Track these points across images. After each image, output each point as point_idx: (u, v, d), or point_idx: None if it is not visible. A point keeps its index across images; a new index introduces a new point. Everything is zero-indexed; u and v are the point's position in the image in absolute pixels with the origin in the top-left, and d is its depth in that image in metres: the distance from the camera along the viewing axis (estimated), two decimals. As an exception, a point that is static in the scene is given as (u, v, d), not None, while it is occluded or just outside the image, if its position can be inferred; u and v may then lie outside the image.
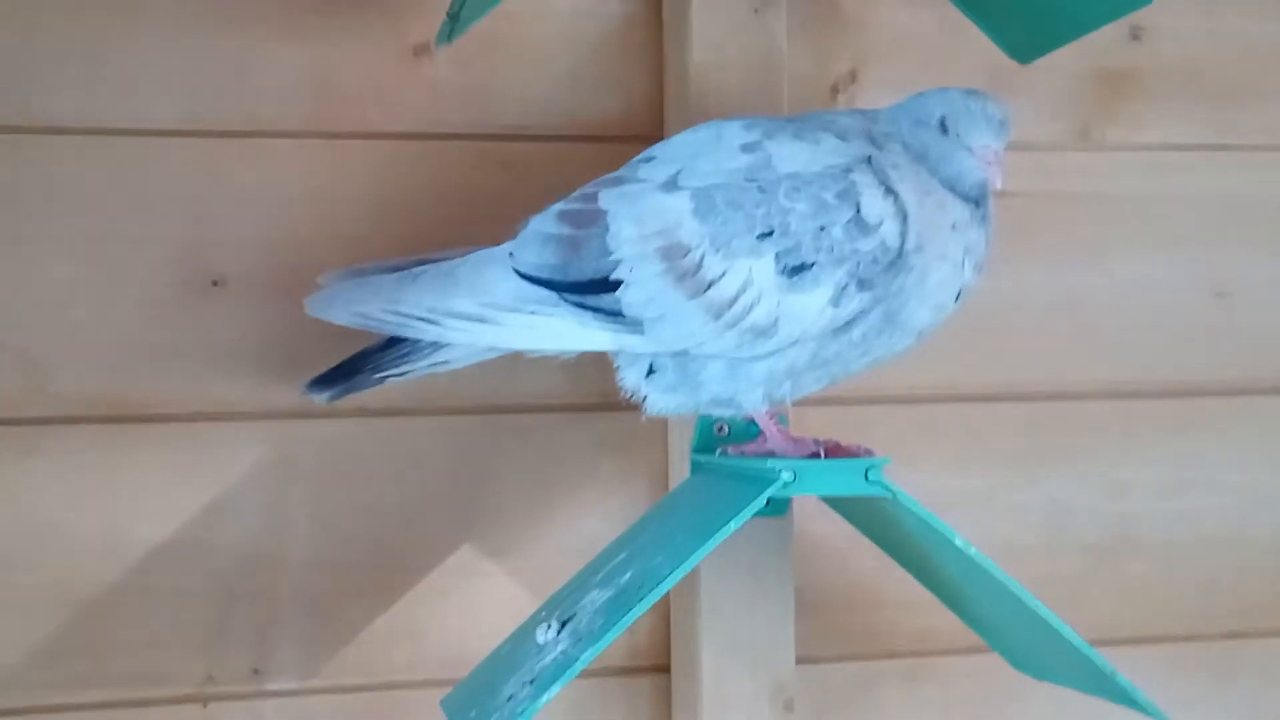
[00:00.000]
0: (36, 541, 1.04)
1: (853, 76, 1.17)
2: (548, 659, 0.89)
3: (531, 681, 0.87)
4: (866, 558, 1.12)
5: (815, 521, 1.14)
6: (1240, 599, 1.24)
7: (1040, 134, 1.21)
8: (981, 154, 0.90)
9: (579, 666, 0.84)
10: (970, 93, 0.92)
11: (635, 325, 0.92)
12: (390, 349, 0.98)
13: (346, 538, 1.08)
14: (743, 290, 0.90)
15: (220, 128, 1.07)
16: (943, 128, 0.91)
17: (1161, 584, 1.23)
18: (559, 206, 0.94)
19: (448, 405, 1.10)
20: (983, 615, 1.03)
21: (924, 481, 1.17)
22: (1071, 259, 1.21)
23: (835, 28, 1.17)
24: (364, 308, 0.94)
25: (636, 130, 1.13)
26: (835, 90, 1.17)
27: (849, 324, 0.91)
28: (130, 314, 1.05)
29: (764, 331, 0.91)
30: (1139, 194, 1.23)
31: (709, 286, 0.90)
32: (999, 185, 0.91)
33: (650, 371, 0.95)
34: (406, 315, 0.93)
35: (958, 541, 0.90)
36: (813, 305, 0.90)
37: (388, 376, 0.99)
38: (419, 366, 0.99)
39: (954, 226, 0.91)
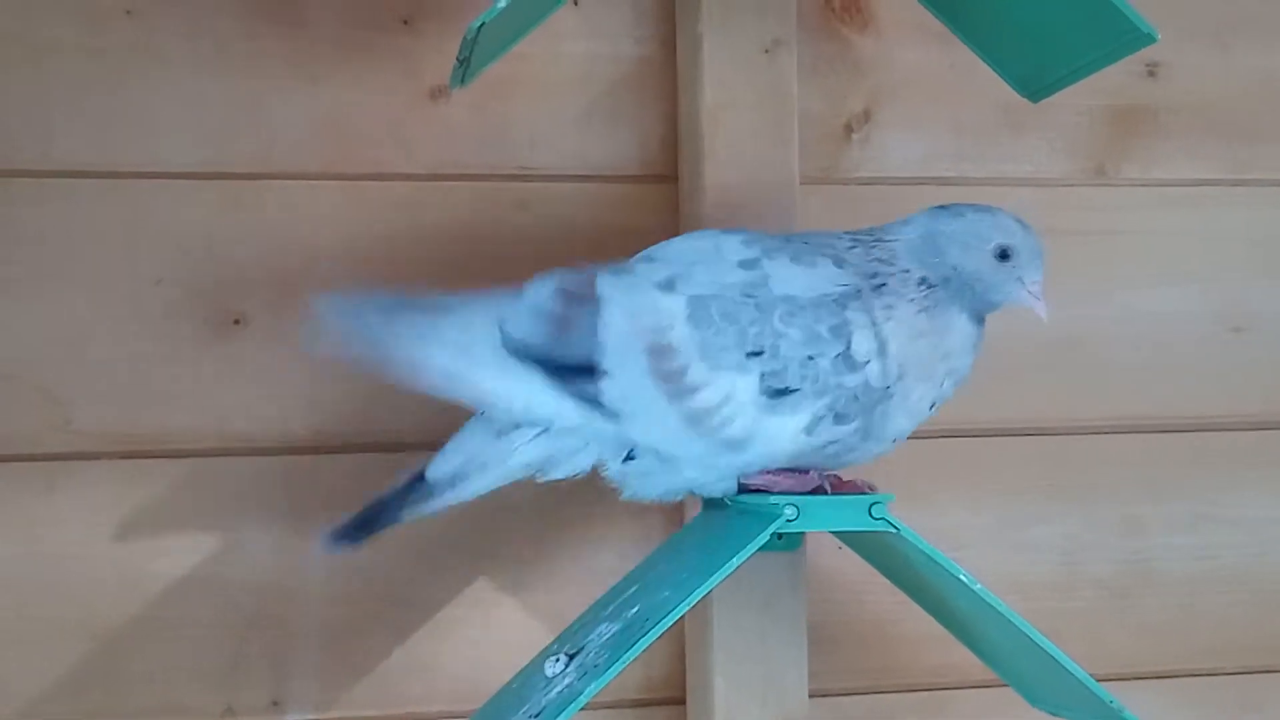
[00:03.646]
0: (57, 574, 1.05)
1: (866, 116, 1.18)
2: (554, 692, 0.90)
3: (537, 715, 0.88)
4: (883, 592, 1.12)
5: (832, 556, 1.15)
6: (1258, 635, 1.23)
7: (1055, 170, 1.22)
8: (1033, 288, 0.94)
9: (583, 699, 0.85)
10: (1023, 225, 0.94)
11: (610, 414, 0.91)
12: (412, 492, 0.98)
13: (362, 571, 1.09)
14: (723, 403, 0.90)
15: (239, 170, 1.09)
16: (1003, 256, 0.93)
17: (1178, 620, 1.22)
18: (555, 282, 0.93)
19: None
20: (995, 649, 1.03)
21: (937, 518, 1.18)
22: (1086, 294, 1.22)
23: (848, 68, 1.18)
24: (352, 346, 0.93)
25: (651, 170, 1.15)
26: (849, 129, 1.18)
27: (823, 445, 0.92)
28: (151, 352, 1.07)
29: (736, 446, 0.91)
30: (1154, 230, 1.23)
31: (690, 394, 0.90)
32: (1046, 319, 0.95)
33: (629, 458, 0.94)
34: (389, 358, 0.92)
35: (962, 576, 0.91)
36: (788, 429, 0.91)
37: (413, 516, 0.99)
38: (443, 502, 0.98)
39: (945, 356, 0.93)
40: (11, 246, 1.06)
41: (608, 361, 0.91)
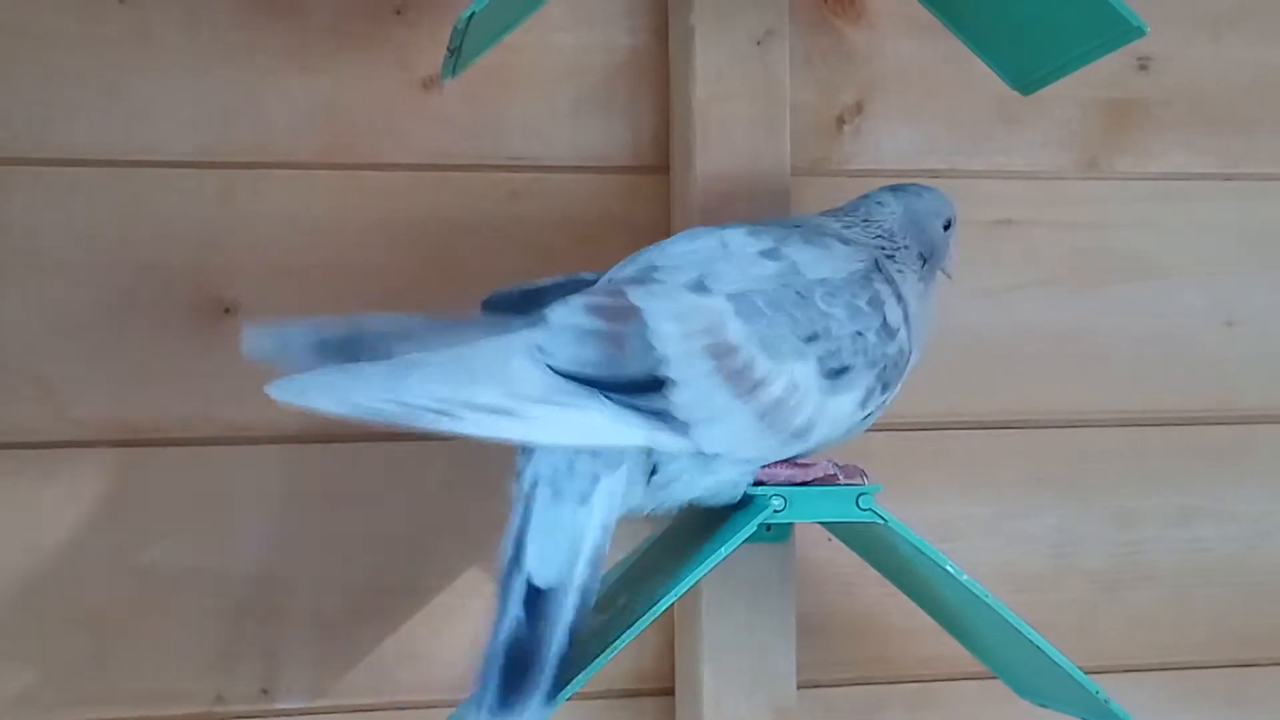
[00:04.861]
0: (50, 562, 1.06)
1: (858, 108, 1.18)
2: (543, 681, 0.90)
3: (526, 704, 0.88)
4: (872, 584, 1.12)
5: (821, 548, 1.15)
6: (1250, 628, 1.23)
7: (1048, 163, 1.22)
8: (953, 252, 1.03)
9: (572, 688, 0.86)
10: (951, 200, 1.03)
11: (680, 426, 0.88)
12: (545, 614, 0.87)
13: (355, 559, 1.10)
14: (790, 392, 0.90)
15: (232, 159, 1.09)
16: (946, 227, 1.01)
17: (1170, 613, 1.22)
18: (584, 300, 0.89)
19: (456, 430, 1.11)
20: (983, 641, 1.04)
21: (931, 509, 1.18)
22: (1079, 287, 1.22)
23: (840, 60, 1.18)
24: (358, 397, 0.84)
25: (643, 161, 1.15)
26: (841, 121, 1.18)
27: (863, 420, 0.94)
28: (144, 340, 1.08)
29: (800, 434, 0.91)
30: (1147, 223, 1.23)
31: (757, 387, 0.89)
32: (952, 276, 1.04)
33: (653, 473, 0.91)
34: (412, 406, 0.84)
35: (949, 567, 0.91)
36: (846, 407, 0.92)
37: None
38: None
39: (927, 325, 0.98)
40: (6, 234, 1.06)
41: (672, 370, 0.87)
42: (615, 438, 0.88)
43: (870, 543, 1.04)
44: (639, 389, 0.87)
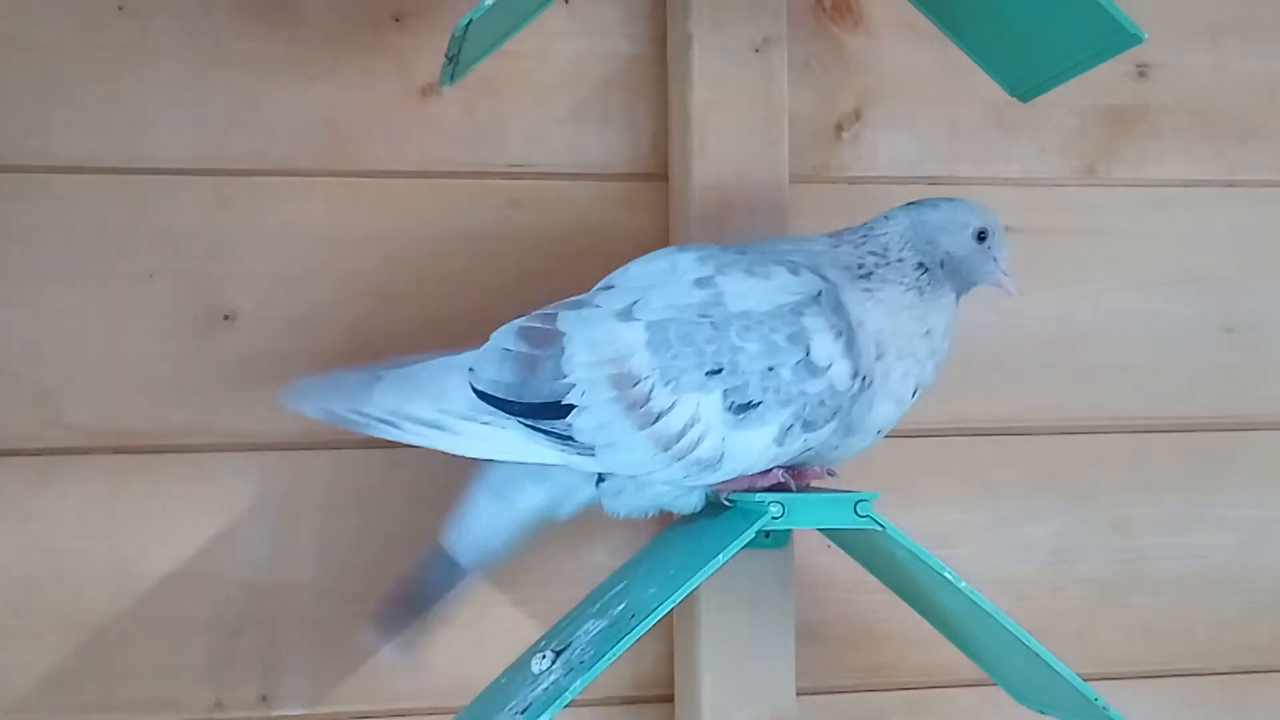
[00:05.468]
0: (49, 569, 1.06)
1: (857, 115, 1.18)
2: (540, 689, 0.90)
3: (523, 711, 0.88)
4: (871, 590, 1.12)
5: (820, 555, 1.15)
6: (1249, 635, 1.23)
7: (1047, 170, 1.22)
8: (1003, 264, 0.98)
9: (569, 696, 0.85)
10: (987, 208, 0.99)
11: (586, 449, 0.93)
12: (450, 575, 1.01)
13: (353, 566, 1.10)
14: (690, 425, 0.91)
15: (231, 166, 1.09)
16: (980, 238, 0.97)
17: (1170, 619, 1.22)
18: (520, 322, 0.95)
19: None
20: (982, 648, 1.04)
21: (930, 516, 1.18)
22: (1078, 294, 1.21)
23: (838, 67, 1.18)
24: (331, 405, 0.96)
25: (642, 168, 1.15)
26: (840, 129, 1.18)
27: (798, 453, 0.94)
28: (143, 347, 1.08)
29: (710, 465, 0.92)
30: (1146, 230, 1.23)
31: (657, 418, 0.91)
32: (1015, 293, 0.99)
33: (601, 480, 0.97)
34: (369, 416, 0.95)
35: (948, 574, 0.91)
36: (758, 443, 0.92)
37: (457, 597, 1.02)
38: (480, 573, 1.03)
39: (928, 333, 0.96)
40: (6, 241, 1.06)
41: (575, 396, 0.92)
42: (532, 455, 0.94)
43: (869, 550, 1.04)
44: (545, 414, 0.92)
